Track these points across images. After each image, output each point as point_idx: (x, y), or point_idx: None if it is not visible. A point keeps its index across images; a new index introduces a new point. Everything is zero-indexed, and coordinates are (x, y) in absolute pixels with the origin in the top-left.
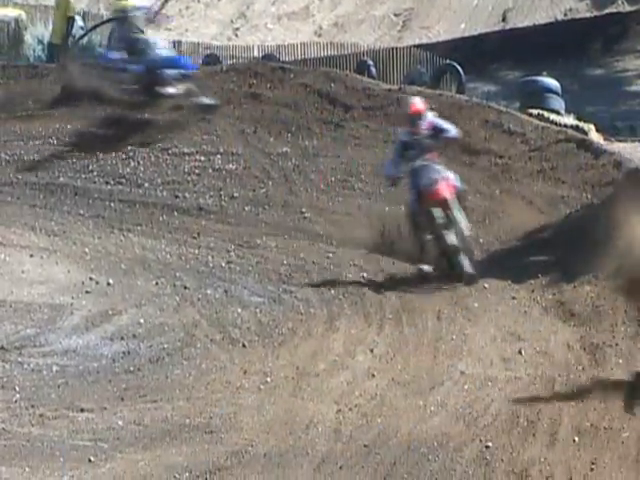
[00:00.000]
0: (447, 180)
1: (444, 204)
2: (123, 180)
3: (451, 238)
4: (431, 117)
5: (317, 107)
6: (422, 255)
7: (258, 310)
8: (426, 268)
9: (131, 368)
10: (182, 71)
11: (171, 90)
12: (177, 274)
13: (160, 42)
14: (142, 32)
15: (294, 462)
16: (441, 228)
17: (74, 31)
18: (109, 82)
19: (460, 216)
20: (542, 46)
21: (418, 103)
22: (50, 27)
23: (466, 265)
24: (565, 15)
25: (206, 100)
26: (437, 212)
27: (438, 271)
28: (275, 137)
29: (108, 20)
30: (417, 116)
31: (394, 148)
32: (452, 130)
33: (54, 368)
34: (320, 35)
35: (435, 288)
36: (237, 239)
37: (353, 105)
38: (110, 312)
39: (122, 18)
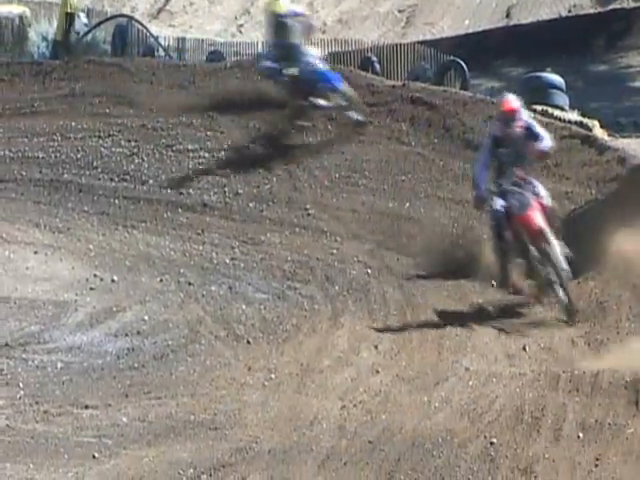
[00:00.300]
0: (539, 200)
1: (539, 235)
2: (127, 177)
3: (546, 271)
4: (526, 117)
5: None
6: (505, 281)
7: (262, 306)
8: None
9: (135, 365)
10: (333, 84)
11: (323, 102)
12: (181, 271)
13: (314, 52)
14: (297, 40)
15: (298, 458)
16: (535, 261)
17: (78, 28)
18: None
19: (556, 246)
20: (546, 42)
21: (513, 101)
22: (54, 24)
23: (562, 297)
24: (569, 11)
25: (356, 115)
26: (531, 247)
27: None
28: (279, 133)
29: (112, 17)
30: (511, 115)
31: (484, 145)
32: (546, 139)
33: (58, 365)
34: (324, 31)
35: (439, 284)
36: (241, 235)
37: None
38: (114, 309)
39: (280, 23)
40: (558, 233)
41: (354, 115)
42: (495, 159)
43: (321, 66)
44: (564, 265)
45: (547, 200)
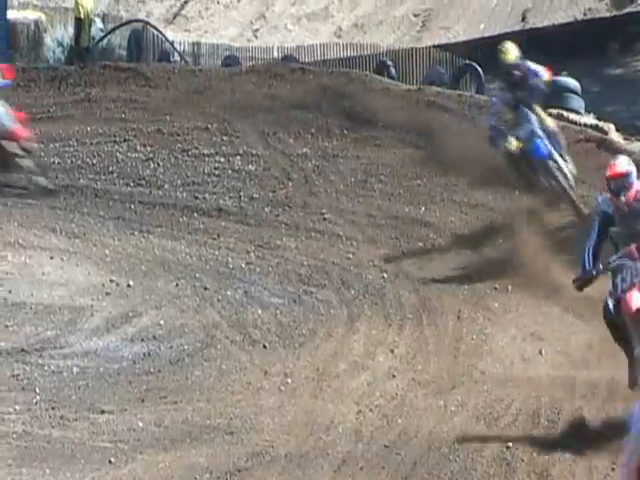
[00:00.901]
0: None
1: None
2: (143, 182)
3: None
4: None
5: (337, 108)
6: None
7: (278, 311)
8: None
9: (151, 369)
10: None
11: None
12: (197, 275)
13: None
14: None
15: (315, 463)
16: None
17: (94, 33)
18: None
19: None
20: (561, 46)
21: (622, 164)
22: (70, 29)
23: None
24: (584, 15)
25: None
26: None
27: None
28: (295, 138)
29: (127, 22)
30: (620, 180)
31: (593, 223)
32: None
33: (74, 370)
34: (340, 36)
35: (455, 288)
36: (257, 240)
37: (373, 106)
38: (130, 314)
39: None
40: None
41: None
42: (607, 238)
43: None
44: None
45: None
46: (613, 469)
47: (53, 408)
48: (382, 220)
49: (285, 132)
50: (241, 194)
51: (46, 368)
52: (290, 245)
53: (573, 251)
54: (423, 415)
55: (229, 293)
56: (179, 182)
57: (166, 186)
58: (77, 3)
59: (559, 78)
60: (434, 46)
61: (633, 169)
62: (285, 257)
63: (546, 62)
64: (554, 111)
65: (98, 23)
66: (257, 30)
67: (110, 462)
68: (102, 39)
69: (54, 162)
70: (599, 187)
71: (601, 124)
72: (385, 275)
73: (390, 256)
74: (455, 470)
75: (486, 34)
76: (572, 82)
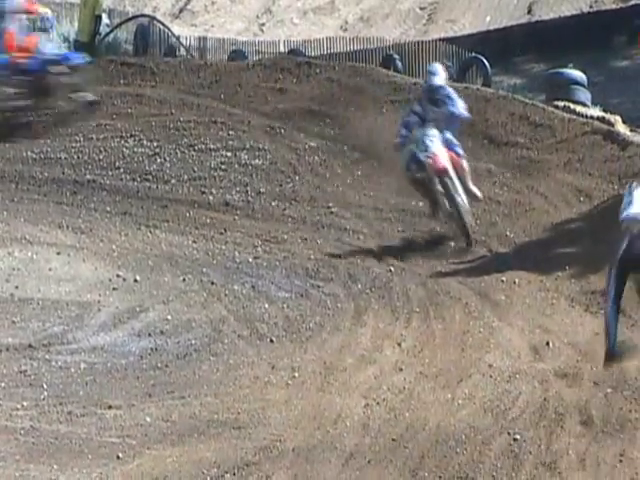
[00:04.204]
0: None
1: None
2: (150, 177)
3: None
4: None
5: (343, 102)
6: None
7: (285, 305)
8: None
9: (159, 364)
10: None
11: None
12: (204, 270)
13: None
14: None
15: (322, 457)
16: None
17: (101, 29)
18: None
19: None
20: (568, 38)
21: None
22: (76, 25)
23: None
24: (591, 7)
25: None
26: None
27: None
28: (301, 132)
29: (134, 17)
30: None
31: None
32: None
33: (82, 365)
34: (346, 30)
35: (462, 281)
36: (264, 234)
37: (379, 99)
38: (137, 309)
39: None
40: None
41: None
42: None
43: None
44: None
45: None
46: (621, 461)
47: (61, 404)
48: (389, 214)
49: (292, 126)
50: (248, 188)
51: (53, 364)
52: (297, 239)
53: (582, 242)
54: (430, 408)
55: (236, 288)
56: (186, 177)
57: (173, 181)
58: (97, 0)
59: (565, 70)
60: (440, 39)
61: None
62: (292, 251)
63: (552, 54)
64: (561, 103)
65: (104, 19)
66: (263, 24)
67: (118, 457)
68: (108, 34)
69: (60, 157)
70: (605, 179)
71: (607, 116)
72: (392, 269)
73: (397, 249)
74: (463, 463)
75: (492, 27)
76: (578, 74)
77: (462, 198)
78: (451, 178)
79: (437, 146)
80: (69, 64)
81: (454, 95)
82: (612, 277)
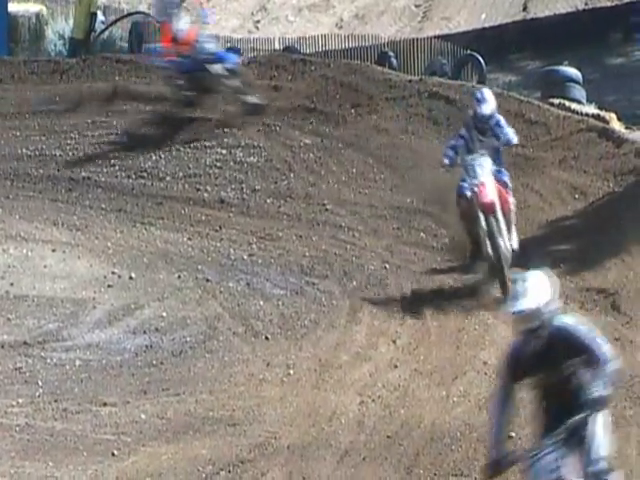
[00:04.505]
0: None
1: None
2: (145, 174)
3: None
4: None
5: (338, 99)
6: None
7: (280, 302)
8: None
9: (154, 362)
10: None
11: None
12: (199, 267)
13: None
14: None
15: (317, 454)
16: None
17: (96, 26)
18: None
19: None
20: (563, 36)
21: None
22: (71, 22)
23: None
24: (586, 4)
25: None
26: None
27: None
28: (296, 129)
29: (128, 14)
30: None
31: None
32: None
33: (77, 362)
34: (341, 27)
35: (457, 278)
36: (259, 232)
37: (374, 97)
38: (132, 306)
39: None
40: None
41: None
42: None
43: None
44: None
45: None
46: (616, 458)
47: (56, 401)
48: (384, 211)
49: (287, 123)
50: (243, 186)
51: (48, 361)
52: (292, 236)
53: (577, 240)
54: (425, 405)
55: (231, 285)
56: (181, 174)
57: (168, 178)
58: None
59: (560, 68)
60: (435, 36)
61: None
62: (287, 248)
63: (547, 51)
64: (556, 101)
65: (99, 16)
66: (258, 21)
67: (113, 454)
68: (104, 31)
69: (55, 154)
70: (600, 177)
71: (602, 113)
72: (387, 266)
73: (392, 247)
74: (458, 460)
75: (487, 24)
76: (573, 72)
77: (505, 244)
78: (497, 218)
79: (487, 175)
80: (225, 66)
81: (503, 122)
82: (498, 389)
